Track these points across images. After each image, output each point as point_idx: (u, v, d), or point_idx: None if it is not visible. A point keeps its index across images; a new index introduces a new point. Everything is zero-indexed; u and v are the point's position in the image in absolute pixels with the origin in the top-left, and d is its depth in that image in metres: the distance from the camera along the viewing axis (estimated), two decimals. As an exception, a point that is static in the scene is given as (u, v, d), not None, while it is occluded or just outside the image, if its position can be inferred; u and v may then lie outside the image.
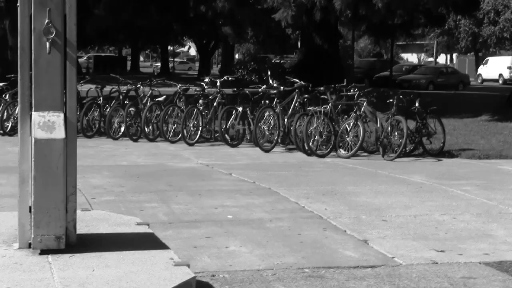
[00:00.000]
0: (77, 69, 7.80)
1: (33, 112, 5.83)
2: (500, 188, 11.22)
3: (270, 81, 17.36)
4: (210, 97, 17.45)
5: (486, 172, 13.15)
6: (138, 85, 18.69)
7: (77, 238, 6.00)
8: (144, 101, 18.10)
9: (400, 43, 79.66)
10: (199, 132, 16.75)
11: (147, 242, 6.20)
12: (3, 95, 18.42)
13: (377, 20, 35.03)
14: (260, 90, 17.22)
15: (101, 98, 18.34)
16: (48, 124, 5.77)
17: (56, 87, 5.90)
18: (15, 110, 17.11)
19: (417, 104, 15.81)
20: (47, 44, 5.87)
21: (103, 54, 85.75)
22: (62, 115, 5.86)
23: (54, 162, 5.70)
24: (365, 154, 15.42)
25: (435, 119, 15.80)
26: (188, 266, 5.53)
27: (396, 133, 15.09)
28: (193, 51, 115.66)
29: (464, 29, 76.79)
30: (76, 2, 6.00)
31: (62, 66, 5.95)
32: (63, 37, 5.93)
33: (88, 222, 6.77)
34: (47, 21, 5.86)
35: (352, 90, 16.22)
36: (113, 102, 18.13)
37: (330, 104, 15.48)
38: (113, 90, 18.99)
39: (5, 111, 17.83)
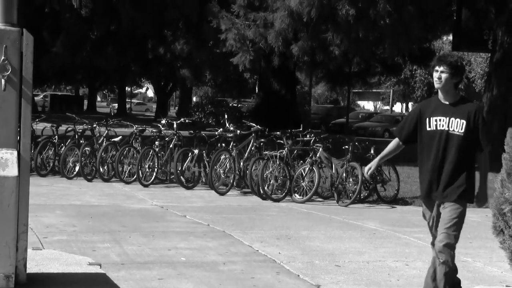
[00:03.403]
0: (33, 107, 7.73)
1: (-14, 149, 5.76)
2: (453, 236, 11.29)
3: (227, 125, 17.40)
4: (167, 138, 17.42)
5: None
6: (94, 125, 18.60)
7: (27, 277, 5.92)
8: (100, 141, 18.00)
9: (357, 90, 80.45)
10: (154, 174, 16.68)
11: (98, 282, 6.13)
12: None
13: (334, 67, 35.50)
14: (216, 133, 17.24)
15: (56, 137, 18.19)
16: (1, 161, 5.72)
17: (10, 125, 5.86)
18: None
19: (372, 151, 15.95)
20: (3, 81, 5.83)
21: (59, 93, 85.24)
22: (15, 152, 5.81)
23: (6, 200, 5.63)
24: (320, 199, 15.47)
25: (389, 166, 15.93)
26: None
27: (351, 179, 15.18)
28: (150, 93, 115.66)
29: (420, 78, 78.07)
30: (34, 40, 5.98)
31: (17, 104, 5.91)
32: (19, 75, 5.90)
33: (39, 261, 6.69)
34: (3, 58, 5.83)
35: (308, 136, 16.30)
36: (68, 141, 17.99)
37: (286, 148, 15.54)
38: (69, 129, 18.86)
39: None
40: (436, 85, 6.53)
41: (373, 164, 6.98)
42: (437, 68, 6.49)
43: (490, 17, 25.84)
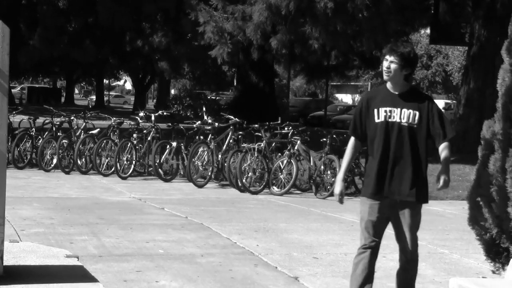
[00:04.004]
0: (10, 100, 7.68)
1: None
2: (429, 229, 11.36)
3: (205, 117, 17.40)
4: (145, 131, 17.41)
5: (416, 212, 13.30)
6: (72, 117, 18.54)
7: (4, 270, 5.90)
8: (78, 133, 17.95)
9: (335, 83, 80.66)
10: (132, 166, 16.66)
11: (76, 275, 6.13)
12: None
13: (313, 60, 35.48)
14: (194, 125, 17.24)
15: (34, 129, 18.12)
16: (-22, 153, 5.70)
17: (-12, 116, 5.83)
18: None
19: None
20: (-21, 72, 5.80)
21: (37, 86, 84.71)
22: (-8, 144, 5.79)
23: (-17, 192, 5.62)
24: (298, 192, 15.51)
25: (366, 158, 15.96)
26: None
27: (329, 172, 15.22)
28: (128, 85, 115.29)
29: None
30: (10, 32, 5.95)
31: (-6, 95, 5.89)
32: (-5, 66, 5.87)
33: (16, 254, 6.67)
34: (-21, 49, 5.80)
35: (286, 128, 16.33)
36: (46, 133, 17.93)
37: (264, 141, 15.56)
38: (46, 121, 18.78)
39: None
40: (385, 76, 6.07)
41: (340, 187, 6.17)
42: (387, 57, 6.03)
43: (467, 11, 25.96)
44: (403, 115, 5.99)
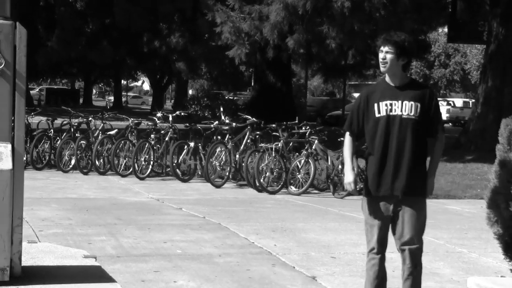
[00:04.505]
0: (28, 101, 7.71)
1: (-20, 142, 5.77)
2: (447, 228, 11.34)
3: (223, 117, 17.42)
4: (162, 131, 17.44)
5: (433, 211, 13.25)
6: (90, 118, 18.61)
7: (22, 270, 5.92)
8: (96, 134, 18.01)
9: (353, 82, 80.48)
10: (150, 167, 16.69)
11: (94, 275, 6.14)
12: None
13: (330, 59, 35.45)
14: (212, 126, 17.24)
15: (52, 130, 18.19)
16: (-5, 154, 5.72)
17: (4, 118, 5.86)
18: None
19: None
20: (-4, 74, 5.83)
21: (55, 87, 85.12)
22: (9, 145, 5.82)
23: (0, 193, 5.64)
24: (316, 191, 15.49)
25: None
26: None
27: (346, 171, 15.16)
28: (146, 86, 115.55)
29: (416, 70, 78.11)
30: (27, 33, 5.98)
31: (11, 97, 5.91)
32: (12, 68, 5.90)
33: (34, 254, 6.69)
34: (-4, 51, 5.83)
35: (303, 128, 16.30)
36: (64, 134, 18.00)
37: (281, 141, 15.55)
38: (64, 122, 18.86)
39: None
40: (381, 67, 5.84)
41: (351, 175, 5.97)
42: (381, 48, 5.81)
43: (485, 9, 25.85)
44: (404, 108, 5.77)
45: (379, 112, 5.82)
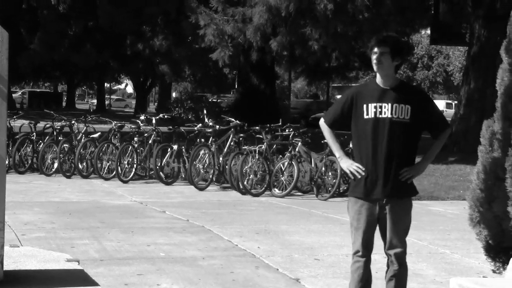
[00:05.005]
0: (10, 104, 7.68)
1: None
2: (430, 229, 11.38)
3: (206, 120, 17.39)
4: (146, 134, 17.40)
5: (417, 213, 13.25)
6: (73, 121, 18.55)
7: (4, 274, 5.90)
8: (79, 137, 17.95)
9: (336, 84, 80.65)
10: (133, 170, 16.66)
11: (77, 279, 6.13)
12: None
13: (313, 62, 35.52)
14: (196, 128, 17.21)
15: (35, 133, 18.12)
16: (-23, 157, 5.70)
17: (-14, 121, 5.84)
18: None
19: (351, 145, 15.95)
20: (-22, 77, 5.81)
21: (38, 90, 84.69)
22: (-9, 149, 5.79)
23: (-18, 197, 5.62)
24: (299, 193, 15.50)
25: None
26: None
27: (330, 173, 15.21)
28: (130, 89, 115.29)
29: (399, 72, 78.13)
30: (10, 36, 5.95)
31: (-7, 100, 5.89)
32: (-6, 71, 5.87)
33: (16, 258, 6.66)
34: (-22, 54, 5.80)
35: (287, 130, 16.32)
36: (47, 138, 17.93)
37: (265, 143, 15.56)
38: (47, 126, 18.77)
39: None
40: (376, 68, 5.75)
41: (347, 160, 5.86)
42: (376, 49, 5.74)
43: (467, 11, 25.95)
44: (394, 110, 5.67)
45: (367, 114, 5.73)
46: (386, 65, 5.74)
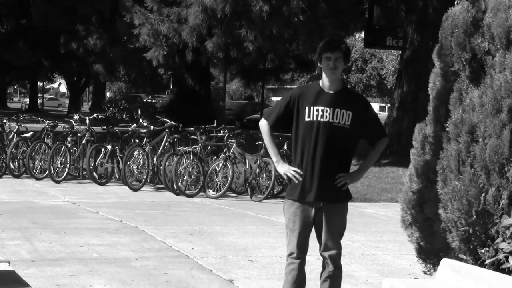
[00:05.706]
0: None
1: None
2: (363, 231, 11.50)
3: (141, 120, 17.30)
4: (79, 134, 17.23)
5: (350, 215, 13.26)
6: (4, 120, 18.25)
7: None
8: (10, 136, 17.68)
9: (271, 86, 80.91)
10: (66, 170, 16.48)
11: (7, 280, 6.03)
12: None
13: (248, 63, 35.60)
14: (130, 128, 17.11)
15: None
16: None
17: None
18: None
19: (285, 147, 16.03)
20: None
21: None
22: None
23: None
24: (234, 195, 15.52)
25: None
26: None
27: (264, 175, 15.27)
28: (63, 88, 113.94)
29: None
30: None
31: None
32: None
33: None
34: None
35: (222, 131, 16.33)
36: (-23, 137, 17.62)
37: (200, 144, 15.54)
38: (-23, 125, 18.45)
39: None
40: (331, 75, 5.71)
41: (285, 165, 5.85)
42: (329, 55, 5.69)
43: (401, 15, 26.31)
44: (336, 115, 5.69)
45: (308, 117, 5.72)
46: (340, 70, 5.76)
